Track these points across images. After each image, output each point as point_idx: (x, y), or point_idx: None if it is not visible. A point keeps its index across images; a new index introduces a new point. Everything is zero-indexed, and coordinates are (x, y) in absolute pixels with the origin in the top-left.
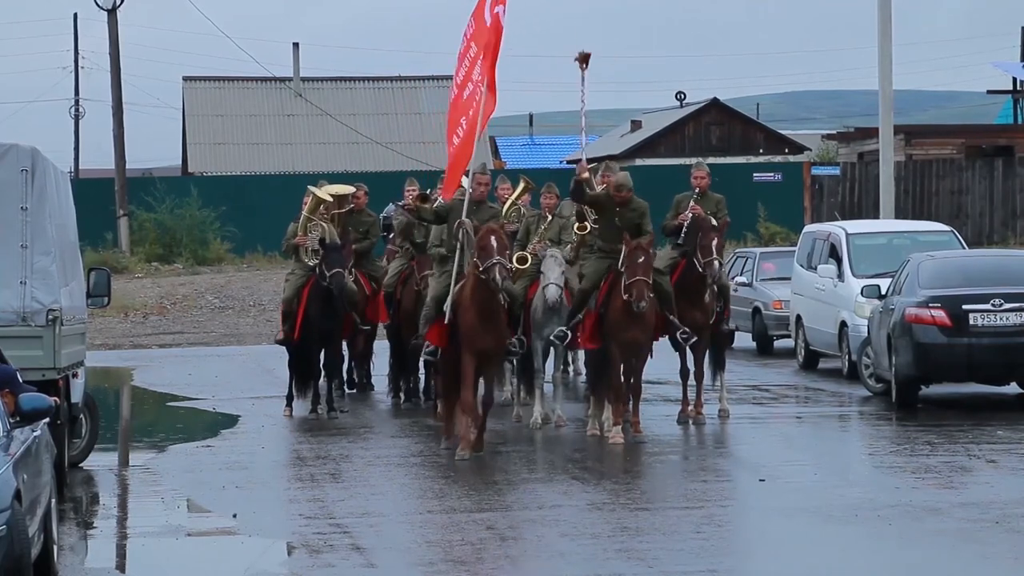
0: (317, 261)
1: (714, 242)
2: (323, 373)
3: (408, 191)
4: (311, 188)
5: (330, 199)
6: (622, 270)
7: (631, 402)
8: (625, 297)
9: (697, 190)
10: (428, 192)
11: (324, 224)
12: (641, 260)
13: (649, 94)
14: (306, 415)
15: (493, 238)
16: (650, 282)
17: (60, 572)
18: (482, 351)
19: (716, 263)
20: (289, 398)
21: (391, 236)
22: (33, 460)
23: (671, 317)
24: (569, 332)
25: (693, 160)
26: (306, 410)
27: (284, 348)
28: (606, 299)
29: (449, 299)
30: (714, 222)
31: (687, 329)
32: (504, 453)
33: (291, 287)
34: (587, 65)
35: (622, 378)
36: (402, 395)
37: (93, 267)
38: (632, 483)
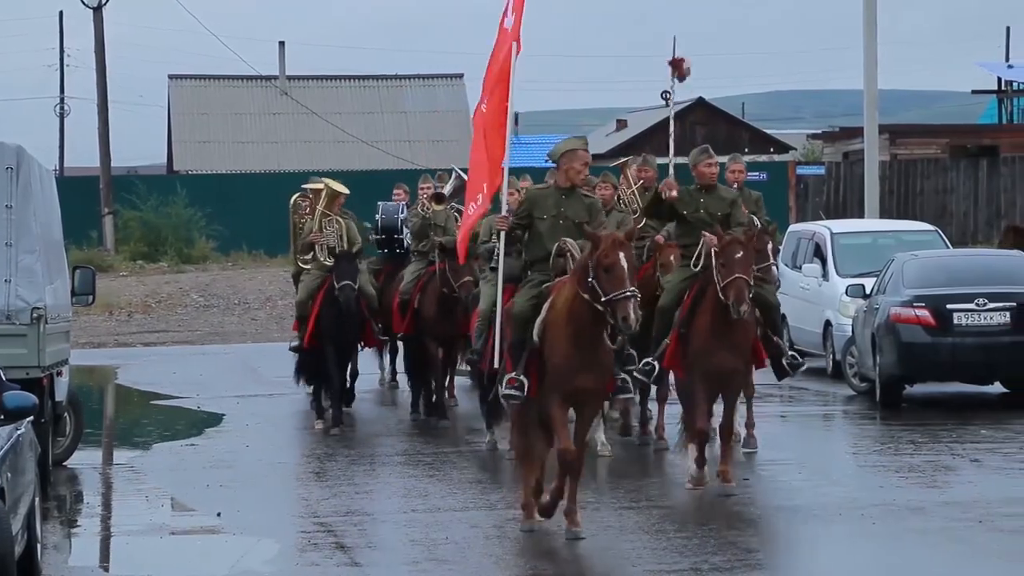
0: (332, 263)
1: (768, 246)
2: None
3: (422, 188)
4: (326, 181)
5: (346, 192)
6: (709, 272)
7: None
8: (724, 300)
9: (735, 186)
10: (441, 191)
11: (341, 220)
12: (739, 256)
13: (634, 93)
14: (311, 425)
15: (622, 255)
16: (751, 282)
17: (44, 570)
18: (576, 392)
19: (775, 268)
20: (318, 410)
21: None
22: (17, 458)
23: (775, 338)
24: (656, 363)
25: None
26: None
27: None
28: (688, 317)
29: (538, 321)
30: (761, 223)
31: (796, 354)
32: (494, 455)
33: (304, 289)
34: (680, 72)
35: (709, 416)
36: (422, 409)
37: (78, 265)
38: (616, 483)
